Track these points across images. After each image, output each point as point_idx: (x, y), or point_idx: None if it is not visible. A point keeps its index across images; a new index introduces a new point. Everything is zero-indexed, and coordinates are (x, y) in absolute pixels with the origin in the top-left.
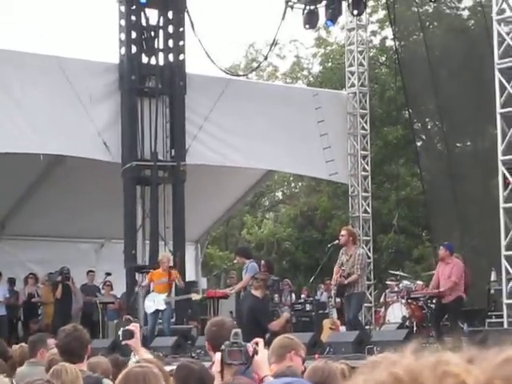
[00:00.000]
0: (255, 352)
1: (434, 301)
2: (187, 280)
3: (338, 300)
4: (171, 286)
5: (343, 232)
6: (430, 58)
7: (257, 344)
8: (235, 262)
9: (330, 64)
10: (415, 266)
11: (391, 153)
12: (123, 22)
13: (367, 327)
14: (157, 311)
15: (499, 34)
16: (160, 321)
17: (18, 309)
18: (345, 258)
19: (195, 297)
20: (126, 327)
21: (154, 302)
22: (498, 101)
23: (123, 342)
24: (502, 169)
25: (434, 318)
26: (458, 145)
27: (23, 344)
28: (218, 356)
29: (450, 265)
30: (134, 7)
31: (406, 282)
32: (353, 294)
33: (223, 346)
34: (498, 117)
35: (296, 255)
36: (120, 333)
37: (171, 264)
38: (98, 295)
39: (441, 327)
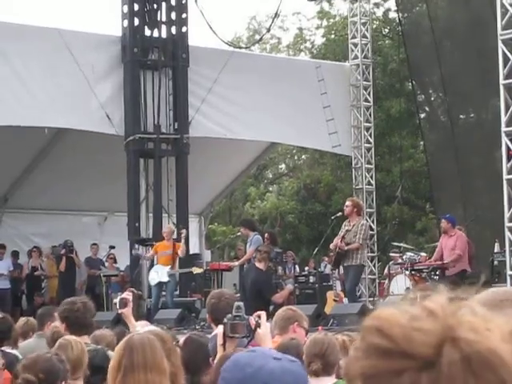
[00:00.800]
0: (257, 325)
1: (437, 272)
2: (191, 253)
3: (341, 272)
4: (175, 259)
5: (348, 203)
6: (433, 29)
7: (259, 317)
8: (239, 234)
9: (332, 36)
10: (418, 238)
11: (394, 125)
12: None
13: (370, 299)
14: (160, 283)
15: (502, 5)
16: (164, 293)
17: (21, 282)
18: (347, 228)
19: (196, 270)
20: (122, 296)
21: (158, 273)
22: (502, 72)
23: (119, 311)
24: (505, 140)
25: None
26: (461, 116)
27: (30, 318)
28: (220, 329)
29: (454, 237)
30: None
31: (409, 254)
32: (351, 265)
33: (225, 319)
34: (501, 88)
35: (299, 228)
36: (117, 301)
37: (175, 236)
38: (101, 268)
39: None
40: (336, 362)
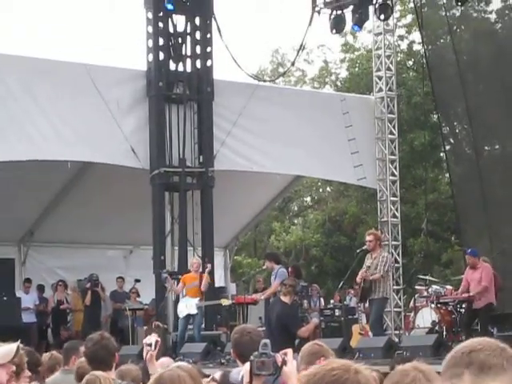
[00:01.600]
0: (284, 362)
1: (463, 305)
2: (216, 286)
3: (366, 305)
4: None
5: (370, 237)
6: (458, 61)
7: (286, 354)
8: (264, 267)
9: (356, 69)
10: (444, 270)
11: (417, 157)
12: (150, 29)
13: (396, 332)
14: (188, 316)
15: None
16: (190, 326)
17: (47, 316)
18: (369, 261)
19: (225, 302)
20: (154, 338)
21: (186, 306)
22: None
23: (153, 353)
24: None
25: (463, 323)
26: (486, 148)
27: (54, 352)
28: (246, 366)
29: (479, 269)
30: (161, 14)
31: (435, 287)
32: (374, 299)
33: (252, 357)
34: None
35: (324, 261)
36: (152, 342)
37: (201, 269)
38: (127, 302)
39: (471, 332)
40: None
